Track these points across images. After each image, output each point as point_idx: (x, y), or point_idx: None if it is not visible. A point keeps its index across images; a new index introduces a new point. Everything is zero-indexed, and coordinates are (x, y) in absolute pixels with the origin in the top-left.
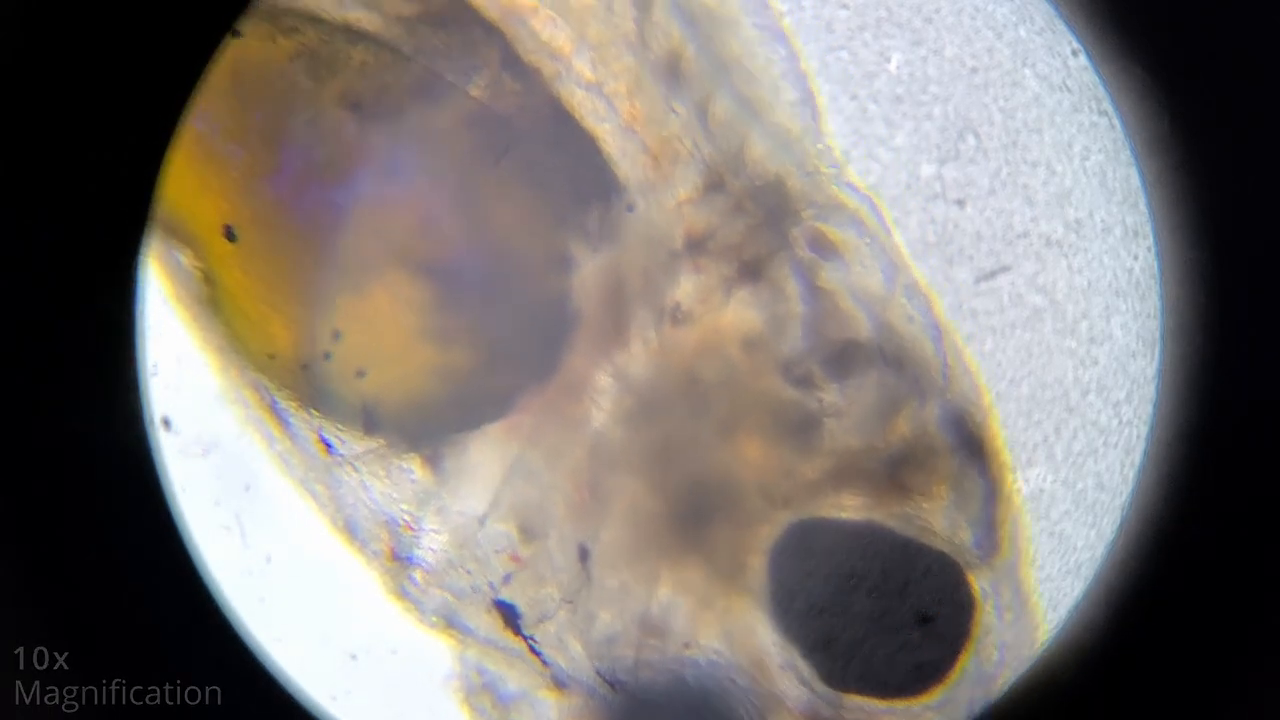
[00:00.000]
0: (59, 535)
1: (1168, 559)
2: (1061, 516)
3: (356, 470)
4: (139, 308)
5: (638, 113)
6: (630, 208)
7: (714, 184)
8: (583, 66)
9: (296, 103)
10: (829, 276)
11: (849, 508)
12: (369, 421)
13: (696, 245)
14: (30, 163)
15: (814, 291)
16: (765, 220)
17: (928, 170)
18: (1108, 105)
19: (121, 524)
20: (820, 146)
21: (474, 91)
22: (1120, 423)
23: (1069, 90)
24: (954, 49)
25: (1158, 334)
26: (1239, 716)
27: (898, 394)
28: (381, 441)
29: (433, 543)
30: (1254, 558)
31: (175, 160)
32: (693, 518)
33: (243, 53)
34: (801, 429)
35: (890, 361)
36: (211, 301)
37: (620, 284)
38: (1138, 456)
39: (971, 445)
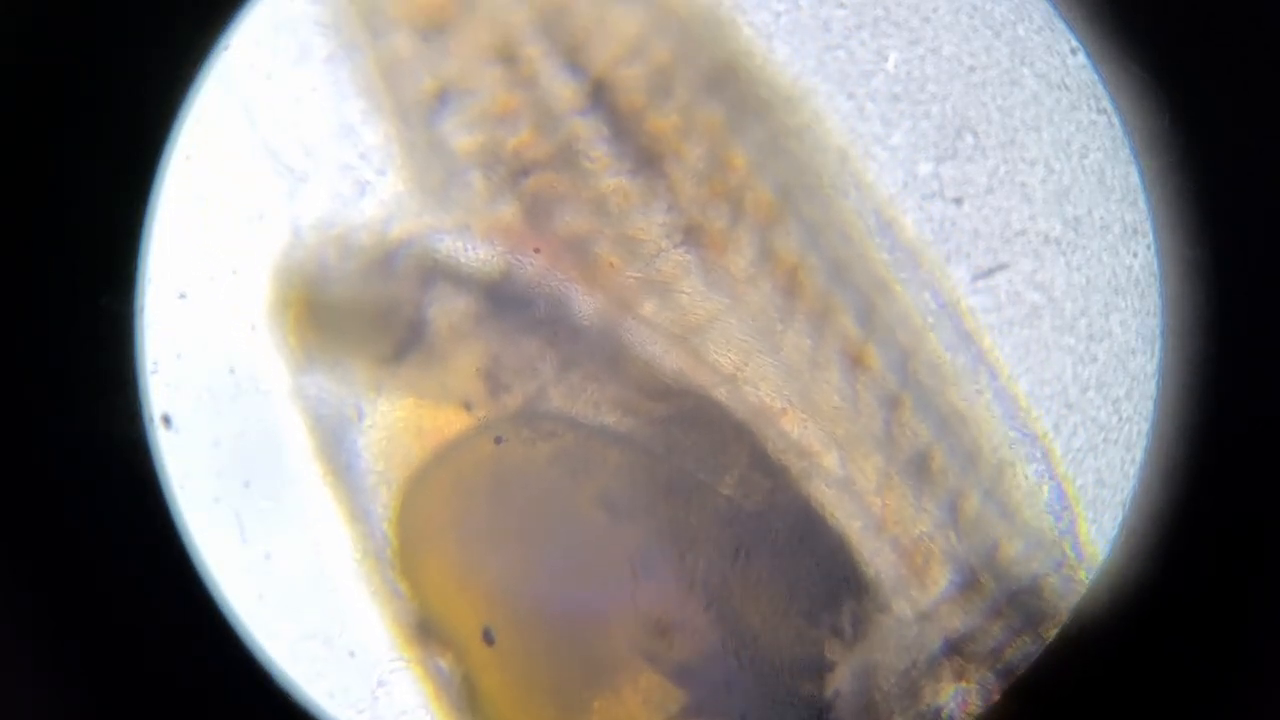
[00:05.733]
0: (58, 533)
1: (1169, 555)
2: None
3: None
4: (139, 304)
5: (888, 510)
6: (883, 608)
7: (969, 584)
8: (831, 464)
9: (554, 504)
10: None
11: None
12: None
13: (955, 648)
14: (29, 158)
15: None
16: (1024, 624)
17: (925, 168)
18: (1106, 103)
19: (120, 521)
20: (1077, 552)
21: (724, 489)
22: (1120, 419)
23: (1067, 88)
24: (952, 48)
25: (1157, 331)
26: (1239, 716)
27: None
28: None
29: None
30: (1255, 553)
31: (435, 564)
32: None
33: (504, 457)
34: None
35: None
36: (471, 706)
37: (877, 688)
38: (1138, 453)
39: None
